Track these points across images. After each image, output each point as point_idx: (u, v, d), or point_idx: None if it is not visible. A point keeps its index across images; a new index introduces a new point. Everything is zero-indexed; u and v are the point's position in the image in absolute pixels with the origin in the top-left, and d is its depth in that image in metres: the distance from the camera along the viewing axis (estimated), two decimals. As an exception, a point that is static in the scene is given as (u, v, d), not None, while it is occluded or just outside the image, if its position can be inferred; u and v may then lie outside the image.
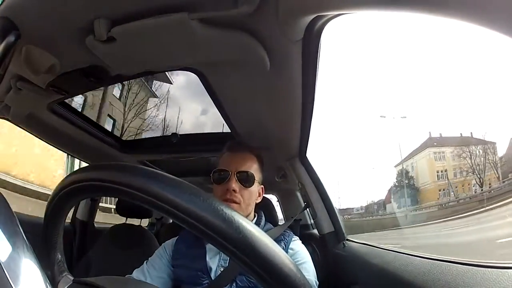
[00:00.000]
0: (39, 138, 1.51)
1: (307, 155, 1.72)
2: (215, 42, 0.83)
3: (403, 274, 0.99)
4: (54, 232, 0.45)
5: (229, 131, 1.49)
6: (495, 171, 18.98)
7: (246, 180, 1.11)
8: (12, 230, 0.36)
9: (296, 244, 1.14)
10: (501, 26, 0.43)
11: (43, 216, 0.45)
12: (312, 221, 2.15)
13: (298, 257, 1.08)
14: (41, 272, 0.35)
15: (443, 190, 20.41)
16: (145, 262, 1.11)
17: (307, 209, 1.87)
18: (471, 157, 19.97)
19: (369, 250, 1.43)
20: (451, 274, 0.80)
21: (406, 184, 22.22)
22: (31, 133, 1.44)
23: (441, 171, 21.02)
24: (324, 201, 1.68)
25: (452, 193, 19.92)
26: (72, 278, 0.46)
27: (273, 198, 2.70)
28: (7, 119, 1.22)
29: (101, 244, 1.94)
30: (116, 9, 0.74)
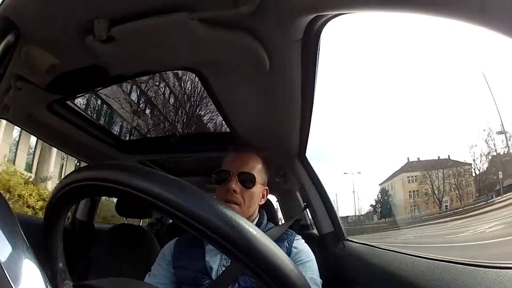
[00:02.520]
0: (39, 138, 1.51)
1: (306, 155, 1.72)
2: (215, 42, 0.83)
3: (403, 274, 0.99)
4: (54, 236, 0.45)
5: (229, 131, 1.49)
6: (457, 192, 25.30)
7: (247, 181, 1.07)
8: (12, 230, 0.36)
9: (300, 243, 1.12)
10: (501, 26, 0.43)
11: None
12: (311, 221, 2.15)
13: (302, 256, 1.06)
14: (41, 272, 0.35)
15: (412, 206, 27.31)
16: (147, 274, 1.09)
17: (307, 209, 1.87)
18: (431, 183, 27.07)
19: (369, 250, 1.43)
20: (451, 274, 0.80)
21: (386, 200, 29.47)
22: (30, 133, 1.44)
23: (413, 191, 27.95)
24: (323, 201, 1.67)
25: (417, 210, 26.89)
26: (72, 283, 0.46)
27: (273, 199, 2.70)
28: (7, 119, 1.22)
29: (101, 244, 1.94)
30: (116, 9, 0.74)
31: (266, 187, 1.18)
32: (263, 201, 1.16)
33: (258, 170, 1.12)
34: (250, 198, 1.08)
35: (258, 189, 1.11)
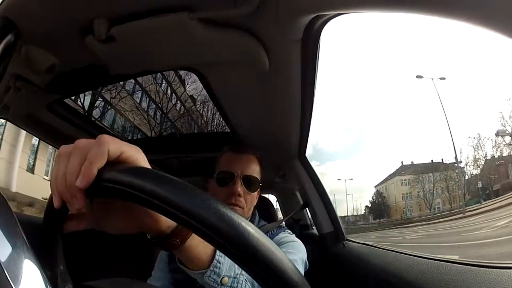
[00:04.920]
0: (38, 138, 1.51)
1: (306, 155, 1.72)
2: (215, 42, 0.83)
3: (403, 274, 0.99)
4: (54, 237, 0.45)
5: (229, 131, 1.49)
6: (447, 195, 28.22)
7: (251, 184, 1.05)
8: (12, 230, 0.36)
9: (284, 233, 1.10)
10: (501, 26, 0.43)
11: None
12: (311, 221, 2.15)
13: (285, 240, 1.04)
14: (41, 272, 0.35)
15: (405, 208, 30.86)
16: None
17: (307, 208, 1.87)
18: (423, 186, 30.07)
19: (369, 250, 1.43)
20: (451, 274, 0.80)
21: (380, 202, 33.16)
22: (30, 133, 1.44)
23: (406, 194, 31.17)
24: (323, 201, 1.67)
25: (409, 212, 30.44)
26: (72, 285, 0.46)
27: (273, 199, 2.71)
28: (7, 119, 1.22)
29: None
30: (115, 9, 0.74)
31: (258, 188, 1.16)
32: (256, 202, 1.14)
33: (258, 172, 1.11)
34: (251, 201, 1.07)
35: (258, 191, 1.10)
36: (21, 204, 7.83)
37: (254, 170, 1.09)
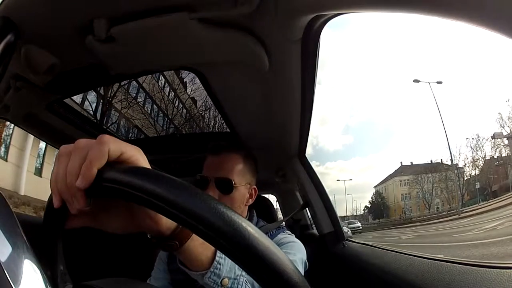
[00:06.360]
0: (38, 138, 1.51)
1: (306, 155, 1.72)
2: (215, 42, 0.83)
3: (402, 274, 0.99)
4: (54, 237, 0.45)
5: (229, 131, 1.49)
6: (446, 196, 28.48)
7: (224, 187, 1.00)
8: (12, 230, 0.36)
9: (284, 235, 1.08)
10: (501, 26, 0.43)
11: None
12: (311, 221, 2.15)
13: (286, 241, 1.02)
14: (41, 272, 0.35)
15: (404, 208, 31.13)
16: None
17: (307, 208, 1.87)
18: (421, 187, 30.48)
19: (369, 250, 1.43)
20: (451, 274, 0.80)
21: (380, 202, 33.65)
22: (30, 133, 1.43)
23: (405, 194, 31.57)
24: (323, 201, 1.67)
25: (408, 212, 30.74)
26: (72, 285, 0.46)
27: (273, 199, 2.70)
28: (7, 119, 1.22)
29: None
30: (115, 9, 0.74)
31: (254, 186, 1.11)
32: (251, 201, 1.10)
33: (237, 171, 1.04)
34: (230, 204, 1.01)
35: (241, 192, 1.04)
36: (37, 209, 7.85)
37: (230, 170, 1.03)
